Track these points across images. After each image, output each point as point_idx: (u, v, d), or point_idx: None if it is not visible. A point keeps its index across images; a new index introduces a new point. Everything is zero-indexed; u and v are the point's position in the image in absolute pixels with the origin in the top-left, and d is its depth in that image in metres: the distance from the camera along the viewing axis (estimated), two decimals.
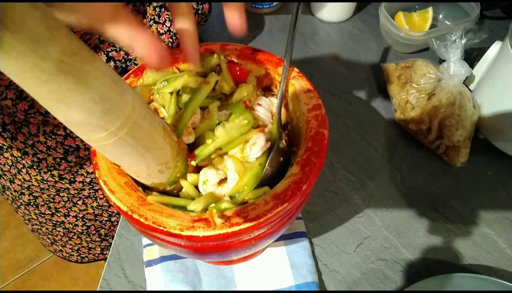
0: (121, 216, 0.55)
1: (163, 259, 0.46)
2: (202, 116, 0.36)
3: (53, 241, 0.75)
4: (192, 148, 0.34)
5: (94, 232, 0.74)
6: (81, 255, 0.79)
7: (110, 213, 0.72)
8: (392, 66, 0.63)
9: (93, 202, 0.68)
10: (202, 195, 0.33)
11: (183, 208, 0.30)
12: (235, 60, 0.40)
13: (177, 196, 0.33)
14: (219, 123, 0.35)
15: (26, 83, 0.19)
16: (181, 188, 0.33)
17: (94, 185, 0.65)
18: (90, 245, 0.77)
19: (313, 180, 0.30)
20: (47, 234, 0.73)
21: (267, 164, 0.33)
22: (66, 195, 0.65)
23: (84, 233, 0.73)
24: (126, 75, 0.38)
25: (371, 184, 0.54)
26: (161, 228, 0.27)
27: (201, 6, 0.63)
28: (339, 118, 0.61)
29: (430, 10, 0.71)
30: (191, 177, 0.33)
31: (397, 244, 0.49)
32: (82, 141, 0.58)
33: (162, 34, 0.58)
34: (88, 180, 0.64)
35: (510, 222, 0.51)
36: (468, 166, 0.55)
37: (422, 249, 0.48)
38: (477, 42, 0.53)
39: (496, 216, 0.51)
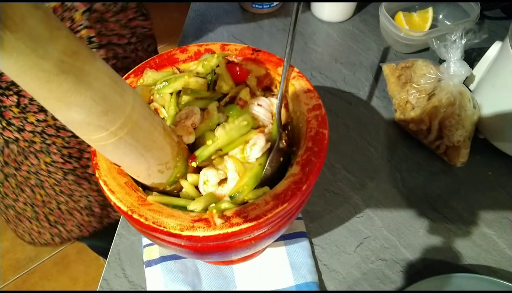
0: (121, 216, 0.55)
1: (163, 259, 0.46)
2: (202, 116, 0.36)
3: (7, 220, 0.77)
4: (192, 148, 0.34)
5: (43, 218, 0.75)
6: (33, 238, 0.80)
7: (59, 201, 0.72)
8: (392, 66, 0.63)
9: (40, 190, 0.68)
10: (202, 195, 0.33)
11: (183, 208, 0.30)
12: (235, 60, 0.40)
13: (177, 196, 0.33)
14: (219, 124, 0.35)
15: (26, 83, 0.19)
16: (181, 188, 0.33)
17: (40, 175, 0.65)
18: (41, 230, 0.78)
19: (313, 180, 0.30)
20: (0, 213, 0.75)
21: (267, 164, 0.33)
22: (14, 181, 0.66)
23: (34, 218, 0.74)
24: (126, 75, 0.38)
25: (371, 184, 0.54)
26: (161, 228, 0.27)
27: None
28: (339, 118, 0.61)
29: (430, 10, 0.71)
30: (191, 177, 0.33)
31: (397, 244, 0.49)
32: (20, 133, 0.57)
33: (92, 37, 0.54)
34: (33, 170, 0.64)
35: (510, 222, 0.51)
36: (468, 166, 0.55)
37: (422, 249, 0.48)
38: (477, 42, 0.53)
39: (496, 216, 0.51)
